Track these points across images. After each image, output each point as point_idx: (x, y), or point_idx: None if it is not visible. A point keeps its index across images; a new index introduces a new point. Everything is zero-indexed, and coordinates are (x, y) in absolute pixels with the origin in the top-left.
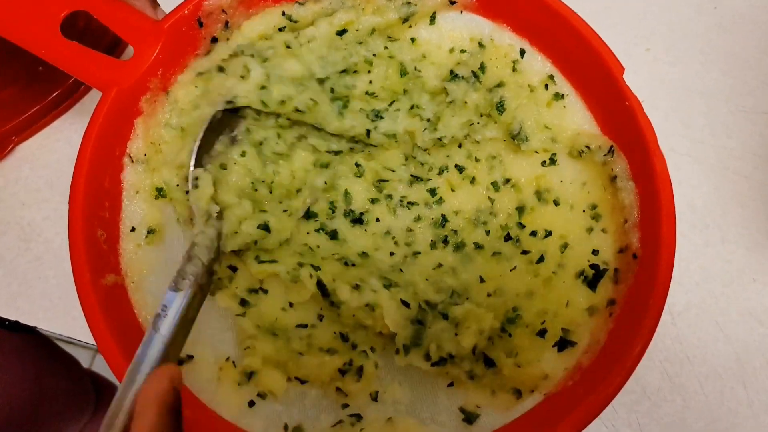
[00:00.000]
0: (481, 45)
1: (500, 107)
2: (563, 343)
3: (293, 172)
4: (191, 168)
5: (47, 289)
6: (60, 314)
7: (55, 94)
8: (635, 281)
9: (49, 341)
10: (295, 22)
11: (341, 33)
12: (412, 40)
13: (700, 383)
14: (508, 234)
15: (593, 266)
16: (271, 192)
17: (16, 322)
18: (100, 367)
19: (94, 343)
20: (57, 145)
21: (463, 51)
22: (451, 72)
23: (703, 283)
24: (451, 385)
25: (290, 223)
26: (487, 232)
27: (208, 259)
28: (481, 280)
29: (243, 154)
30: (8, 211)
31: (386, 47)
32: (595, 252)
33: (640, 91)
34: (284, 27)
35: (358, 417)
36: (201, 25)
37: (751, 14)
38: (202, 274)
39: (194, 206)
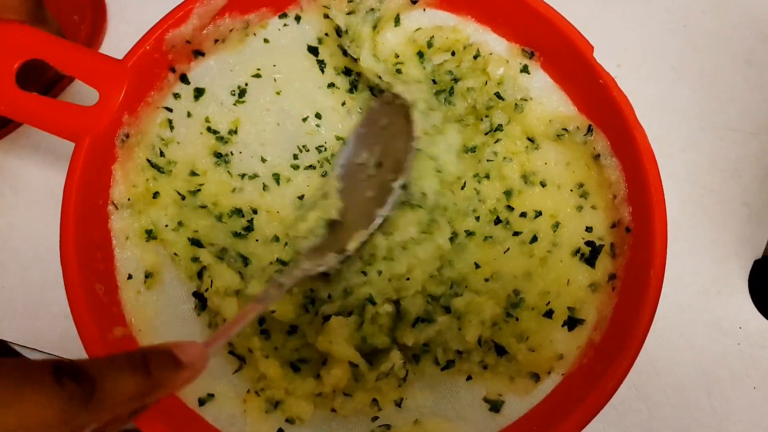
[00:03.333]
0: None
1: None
2: (572, 322)
3: None
4: None
5: (12, 296)
6: (25, 323)
7: None
8: (632, 253)
9: (16, 353)
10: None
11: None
12: None
13: (666, 393)
14: (498, 218)
15: (589, 243)
16: None
17: None
18: None
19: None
20: (23, 152)
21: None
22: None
23: (670, 294)
24: (469, 378)
25: None
26: (477, 218)
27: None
28: (477, 266)
29: None
30: None
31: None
32: (588, 229)
33: None
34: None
35: (387, 426)
36: (173, 70)
37: (721, 33)
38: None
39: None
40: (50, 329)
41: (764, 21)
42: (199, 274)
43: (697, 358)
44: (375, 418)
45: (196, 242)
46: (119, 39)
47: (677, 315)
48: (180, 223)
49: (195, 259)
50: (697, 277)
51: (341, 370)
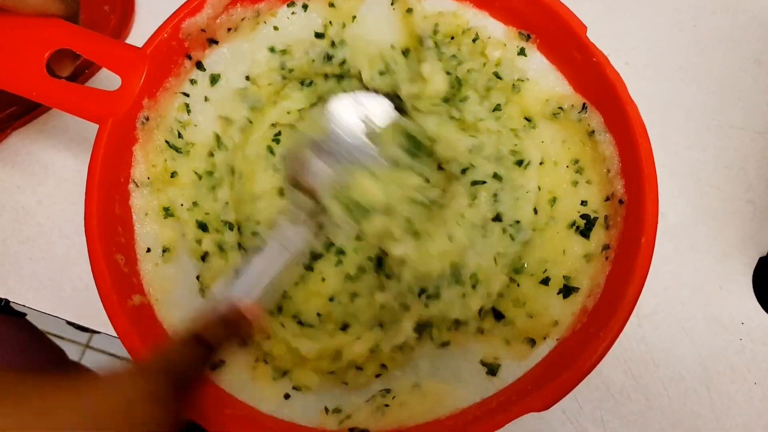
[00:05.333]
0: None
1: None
2: (567, 290)
3: None
4: None
5: (37, 270)
6: (48, 294)
7: None
8: (625, 225)
9: (36, 330)
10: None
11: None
12: None
13: (664, 384)
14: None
15: (584, 216)
16: None
17: (6, 303)
18: (91, 362)
19: (79, 336)
20: (54, 131)
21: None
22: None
23: (671, 288)
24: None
25: None
26: None
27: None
28: None
29: None
30: (4, 193)
31: None
32: (583, 203)
33: None
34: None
35: (387, 390)
36: (190, 57)
37: (729, 33)
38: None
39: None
40: (72, 299)
41: None
42: (203, 258)
43: (698, 351)
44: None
45: (202, 225)
46: (147, 29)
47: (679, 309)
48: (195, 203)
49: (199, 242)
50: (699, 272)
51: (362, 347)
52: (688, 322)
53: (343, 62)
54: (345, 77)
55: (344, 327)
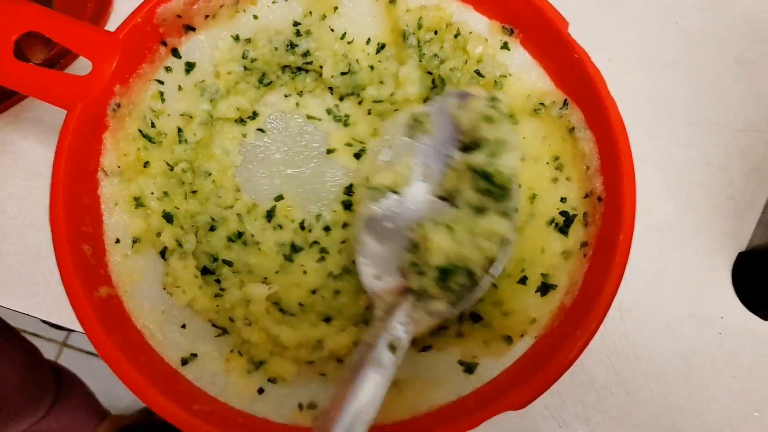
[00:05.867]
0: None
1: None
2: (545, 288)
3: None
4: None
5: (9, 264)
6: (20, 289)
7: None
8: (603, 222)
9: (8, 326)
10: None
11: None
12: None
13: (646, 378)
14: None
15: (563, 213)
16: None
17: None
18: (68, 361)
19: (55, 335)
20: (26, 123)
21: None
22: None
23: (653, 284)
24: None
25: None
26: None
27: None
28: None
29: None
30: None
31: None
32: (563, 200)
33: None
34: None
35: None
36: (165, 44)
37: (712, 31)
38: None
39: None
40: (44, 295)
41: (758, 21)
42: (162, 254)
43: (678, 346)
44: None
45: (168, 216)
46: (125, 17)
47: (660, 305)
48: (165, 193)
49: (159, 235)
50: (681, 268)
51: (346, 338)
52: (670, 317)
53: (306, 53)
54: (304, 71)
55: (327, 319)
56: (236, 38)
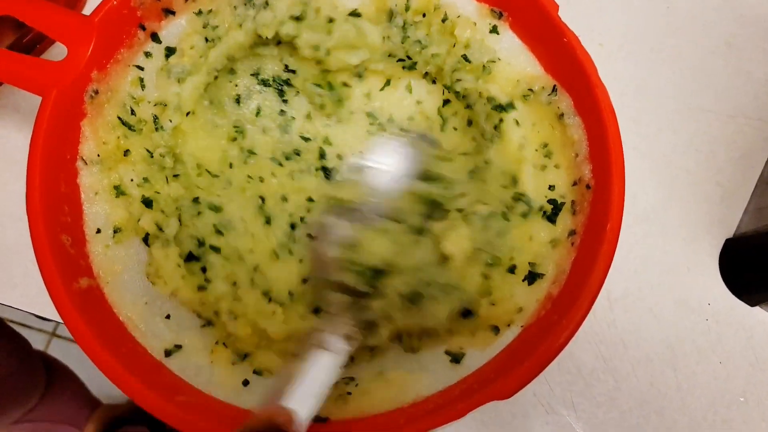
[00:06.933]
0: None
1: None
2: (532, 276)
3: None
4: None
5: None
6: (0, 282)
7: None
8: (591, 210)
9: None
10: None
11: None
12: None
13: (633, 366)
14: None
15: (551, 201)
16: None
17: None
18: (58, 351)
19: (44, 325)
20: (3, 111)
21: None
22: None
23: (641, 271)
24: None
25: None
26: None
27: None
28: None
29: None
30: None
31: None
32: (551, 188)
33: None
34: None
35: (351, 378)
36: (143, 28)
37: (702, 16)
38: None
39: None
40: (26, 287)
41: (746, 5)
42: (145, 240)
43: (665, 333)
44: None
45: (147, 202)
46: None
47: (647, 292)
48: (145, 179)
49: (139, 221)
50: (668, 255)
51: None
52: (657, 305)
53: (266, 4)
54: (265, 44)
55: (317, 310)
56: (198, 12)
